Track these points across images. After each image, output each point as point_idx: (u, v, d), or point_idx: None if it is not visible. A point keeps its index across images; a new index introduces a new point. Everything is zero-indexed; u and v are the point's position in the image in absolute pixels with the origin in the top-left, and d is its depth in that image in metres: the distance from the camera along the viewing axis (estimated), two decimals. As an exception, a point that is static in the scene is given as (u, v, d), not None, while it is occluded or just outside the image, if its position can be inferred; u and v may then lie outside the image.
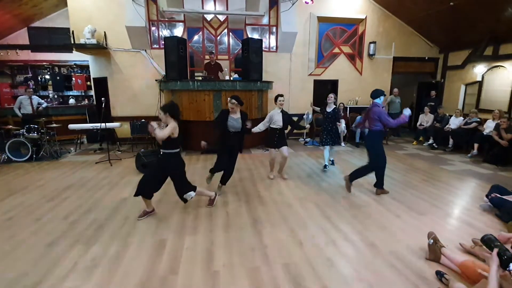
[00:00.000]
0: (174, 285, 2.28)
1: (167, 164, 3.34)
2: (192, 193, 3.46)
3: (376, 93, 4.12)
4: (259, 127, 4.84)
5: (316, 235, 3.07)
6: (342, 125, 7.96)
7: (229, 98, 4.08)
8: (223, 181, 4.36)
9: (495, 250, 1.91)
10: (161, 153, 3.31)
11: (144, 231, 3.15)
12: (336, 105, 5.51)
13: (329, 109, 5.40)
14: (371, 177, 5.11)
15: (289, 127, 5.16)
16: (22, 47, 8.63)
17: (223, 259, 2.62)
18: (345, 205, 3.90)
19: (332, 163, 5.67)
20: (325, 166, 5.56)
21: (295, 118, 8.82)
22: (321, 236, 3.05)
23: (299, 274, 2.41)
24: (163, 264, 2.55)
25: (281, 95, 4.83)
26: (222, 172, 4.34)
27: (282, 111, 4.80)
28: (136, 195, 3.34)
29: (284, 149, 4.83)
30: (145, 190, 3.35)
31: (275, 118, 4.78)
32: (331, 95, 5.42)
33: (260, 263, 2.57)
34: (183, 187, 3.45)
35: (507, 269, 1.87)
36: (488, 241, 2.03)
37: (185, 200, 3.49)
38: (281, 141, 4.85)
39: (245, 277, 2.38)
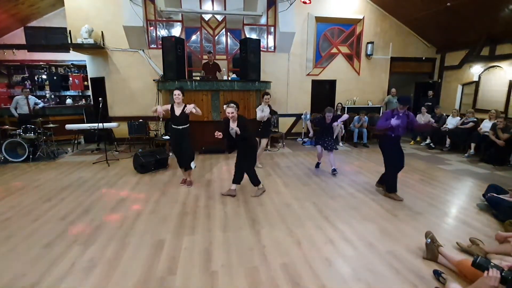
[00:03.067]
0: (172, 285, 2.28)
1: (186, 135, 4.37)
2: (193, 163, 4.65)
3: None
4: (260, 115, 5.43)
5: (314, 235, 3.08)
6: (339, 124, 8.01)
7: (225, 106, 3.96)
8: (253, 182, 4.25)
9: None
10: (181, 128, 4.32)
11: (142, 231, 3.14)
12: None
13: (328, 121, 5.19)
14: (370, 177, 5.14)
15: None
16: (19, 47, 8.57)
17: (222, 259, 2.62)
18: (343, 204, 3.91)
19: (334, 170, 5.32)
20: (317, 165, 5.73)
21: (293, 118, 8.97)
22: (319, 236, 3.06)
23: (298, 274, 2.42)
24: (161, 264, 2.55)
25: (267, 94, 5.54)
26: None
27: (269, 106, 5.49)
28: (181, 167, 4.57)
29: (263, 140, 5.58)
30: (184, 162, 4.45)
31: (264, 113, 5.45)
32: (329, 114, 5.12)
33: (258, 263, 2.57)
34: (189, 154, 4.46)
35: None
36: (483, 264, 1.90)
37: (189, 167, 4.55)
38: (264, 132, 5.57)
39: (243, 277, 2.38)
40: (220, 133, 3.87)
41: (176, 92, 4.20)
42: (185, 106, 4.22)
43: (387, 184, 4.21)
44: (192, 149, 4.52)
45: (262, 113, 5.46)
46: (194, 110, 4.24)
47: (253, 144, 4.24)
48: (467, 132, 6.99)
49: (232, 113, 3.86)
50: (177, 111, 4.27)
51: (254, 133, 4.63)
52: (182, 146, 4.39)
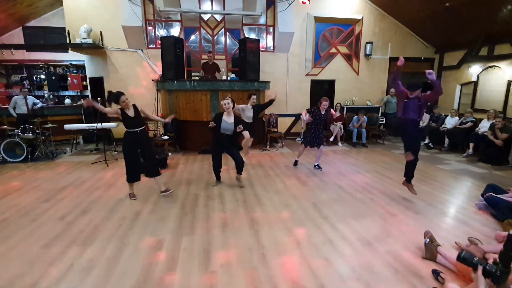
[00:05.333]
0: (171, 285, 2.28)
1: (147, 138, 4.06)
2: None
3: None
4: (247, 116, 5.63)
5: (313, 235, 3.08)
6: (338, 124, 8.04)
7: (222, 101, 4.30)
8: (238, 170, 4.56)
9: (480, 268, 1.85)
10: (138, 131, 3.84)
11: (140, 231, 3.14)
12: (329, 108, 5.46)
13: (323, 112, 5.34)
14: (369, 177, 5.14)
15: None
16: (17, 46, 8.56)
17: (221, 260, 2.62)
18: (342, 204, 3.92)
19: (318, 167, 5.59)
20: (295, 162, 5.86)
21: (292, 118, 8.97)
22: (318, 236, 3.06)
23: (297, 274, 2.42)
24: (160, 264, 2.54)
25: (254, 94, 5.61)
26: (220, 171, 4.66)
27: (253, 107, 5.53)
28: (131, 181, 3.99)
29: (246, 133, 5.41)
30: (137, 174, 3.98)
31: (246, 113, 5.61)
32: (325, 103, 5.24)
33: (257, 263, 2.57)
34: (156, 158, 4.23)
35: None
36: (468, 258, 1.94)
37: (158, 172, 4.05)
38: (251, 130, 5.56)
39: (242, 277, 2.38)
40: (213, 123, 4.17)
41: (123, 98, 3.73)
42: (135, 105, 3.90)
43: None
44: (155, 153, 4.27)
45: (247, 113, 5.61)
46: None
47: (238, 143, 4.60)
48: (466, 132, 7.01)
49: (228, 104, 4.17)
50: (130, 113, 3.81)
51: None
52: (145, 150, 3.95)
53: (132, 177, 3.97)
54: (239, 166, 4.52)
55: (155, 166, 4.06)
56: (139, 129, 3.86)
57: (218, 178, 4.69)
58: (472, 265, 1.92)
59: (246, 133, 5.27)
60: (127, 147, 3.87)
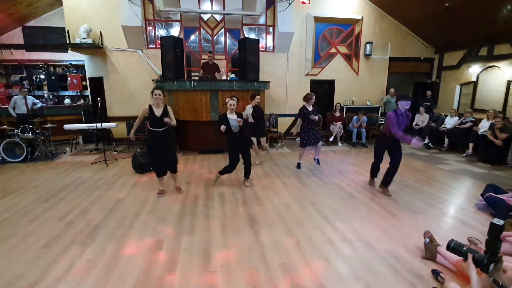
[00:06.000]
0: (171, 285, 2.28)
1: (168, 138, 4.09)
2: None
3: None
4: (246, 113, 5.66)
5: (313, 235, 3.08)
6: (338, 124, 8.05)
7: (227, 99, 4.40)
8: (246, 173, 4.68)
9: (470, 257, 1.89)
10: (160, 131, 3.93)
11: (140, 231, 3.14)
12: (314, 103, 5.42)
13: (310, 108, 5.33)
14: (368, 177, 5.15)
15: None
16: (17, 46, 8.54)
17: (221, 260, 2.62)
18: (341, 204, 3.92)
19: (318, 162, 5.71)
20: (298, 165, 5.72)
21: (292, 118, 8.97)
22: (318, 236, 3.06)
23: (297, 274, 2.42)
24: (160, 264, 2.54)
25: (258, 94, 5.73)
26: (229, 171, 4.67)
27: (255, 107, 5.59)
28: (159, 176, 4.16)
29: (263, 139, 6.07)
30: (162, 168, 4.12)
31: (247, 112, 5.74)
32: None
33: (257, 263, 2.57)
34: (175, 157, 4.27)
35: (489, 271, 1.85)
36: (457, 248, 1.99)
37: (176, 170, 4.26)
38: (259, 133, 5.87)
39: (242, 277, 2.38)
40: (224, 126, 4.19)
41: (157, 92, 3.87)
42: (166, 107, 3.98)
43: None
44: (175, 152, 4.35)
45: (247, 111, 5.75)
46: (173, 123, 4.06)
47: (249, 138, 4.82)
48: (465, 132, 7.02)
49: (234, 105, 4.29)
50: (157, 112, 3.90)
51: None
52: (167, 150, 4.06)
53: (159, 172, 4.14)
54: (247, 169, 4.62)
55: (175, 163, 4.25)
56: (161, 129, 3.94)
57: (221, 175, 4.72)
58: (462, 254, 1.97)
59: (263, 140, 5.97)
60: (149, 143, 4.06)
